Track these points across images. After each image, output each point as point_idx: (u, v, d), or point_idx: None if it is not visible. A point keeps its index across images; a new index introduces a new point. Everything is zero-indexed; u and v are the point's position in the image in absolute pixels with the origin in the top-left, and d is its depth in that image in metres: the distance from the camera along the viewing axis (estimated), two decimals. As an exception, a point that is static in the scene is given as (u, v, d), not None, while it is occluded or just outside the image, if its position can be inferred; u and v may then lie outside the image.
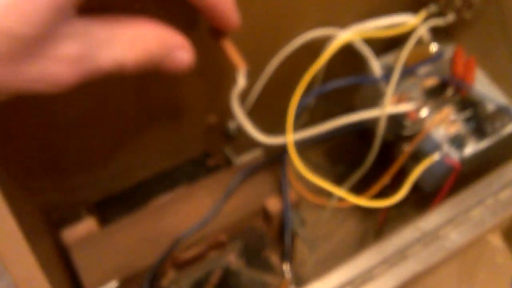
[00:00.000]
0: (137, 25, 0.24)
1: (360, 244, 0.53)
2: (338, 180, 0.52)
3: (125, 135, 0.35)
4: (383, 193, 0.43)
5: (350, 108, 0.45)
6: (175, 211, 0.37)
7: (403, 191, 0.33)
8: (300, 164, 0.32)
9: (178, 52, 0.26)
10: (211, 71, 0.33)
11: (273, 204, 0.38)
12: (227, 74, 0.29)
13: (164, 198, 0.38)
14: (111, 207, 0.38)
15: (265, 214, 0.38)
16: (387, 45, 0.41)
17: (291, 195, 0.38)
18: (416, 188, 0.39)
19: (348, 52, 0.38)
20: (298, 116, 0.40)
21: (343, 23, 0.37)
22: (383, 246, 0.31)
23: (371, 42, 0.37)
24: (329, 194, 0.51)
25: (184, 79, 0.32)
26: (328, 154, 0.55)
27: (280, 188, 0.39)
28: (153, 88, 0.31)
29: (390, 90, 0.35)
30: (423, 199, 0.41)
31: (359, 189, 0.44)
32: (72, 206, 0.37)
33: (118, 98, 0.31)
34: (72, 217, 0.36)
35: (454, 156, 0.35)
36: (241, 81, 0.28)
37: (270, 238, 0.39)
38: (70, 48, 0.21)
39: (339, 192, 0.32)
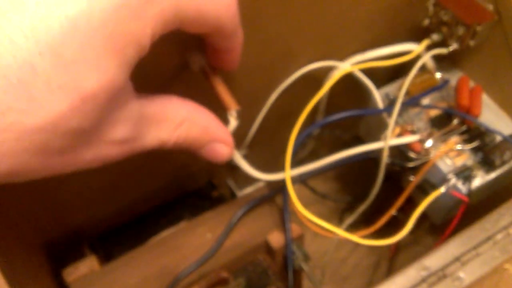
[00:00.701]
0: (187, 109, 0.24)
1: (373, 273, 0.51)
2: (347, 208, 0.51)
3: (127, 173, 0.34)
4: (392, 223, 0.42)
5: (356, 136, 0.44)
6: (176, 247, 0.36)
7: (407, 227, 0.32)
8: (298, 204, 0.31)
9: (219, 144, 0.26)
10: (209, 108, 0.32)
11: (276, 239, 0.37)
12: (220, 113, 0.29)
13: (165, 233, 0.37)
14: (113, 243, 0.38)
15: (268, 249, 0.37)
16: (392, 74, 0.39)
17: (295, 228, 0.37)
18: (426, 215, 0.38)
19: (352, 82, 0.36)
20: (302, 145, 0.38)
21: (344, 55, 0.36)
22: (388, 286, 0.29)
23: (374, 72, 0.36)
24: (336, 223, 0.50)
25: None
26: (335, 182, 0.54)
27: (282, 221, 0.37)
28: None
29: (392, 122, 0.33)
30: (436, 225, 0.40)
31: (368, 217, 0.42)
32: (74, 243, 0.36)
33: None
34: (74, 255, 0.35)
35: (461, 188, 0.33)
36: (233, 122, 0.27)
37: (274, 274, 0.37)
38: (125, 131, 0.21)
39: (340, 231, 0.31)
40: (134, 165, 0.34)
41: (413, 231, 0.34)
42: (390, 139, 0.34)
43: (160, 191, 0.39)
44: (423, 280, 0.30)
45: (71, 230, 0.36)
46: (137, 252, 0.35)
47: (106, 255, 0.37)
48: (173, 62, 0.27)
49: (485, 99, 0.36)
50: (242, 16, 0.28)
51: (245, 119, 0.36)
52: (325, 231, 0.39)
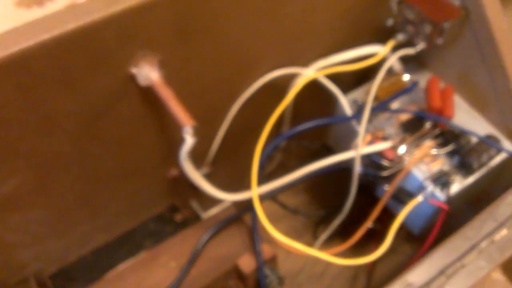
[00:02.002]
0: None
1: (352, 285, 0.49)
2: (321, 221, 0.48)
3: (74, 204, 0.30)
4: (371, 235, 0.39)
5: (325, 145, 0.41)
6: (137, 280, 0.32)
7: (386, 243, 0.29)
8: (268, 225, 0.28)
9: None
10: (162, 127, 0.28)
11: (247, 263, 0.33)
12: (177, 130, 0.25)
13: (124, 266, 0.33)
14: (66, 280, 0.33)
15: (239, 274, 0.34)
16: (358, 79, 0.37)
17: (266, 249, 0.34)
18: (405, 225, 0.35)
19: (317, 89, 0.34)
20: (269, 158, 0.35)
21: (307, 61, 0.33)
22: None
23: (340, 77, 0.34)
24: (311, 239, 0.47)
25: (131, 136, 0.27)
26: (306, 194, 0.51)
27: (252, 243, 0.34)
28: (97, 154, 0.27)
29: (362, 129, 0.31)
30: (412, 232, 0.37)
31: (344, 230, 0.39)
32: (22, 283, 0.32)
33: (59, 172, 0.27)
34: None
35: (440, 195, 0.31)
36: (189, 140, 0.23)
37: (247, 300, 0.34)
38: None
39: (313, 252, 0.28)
40: (82, 194, 0.30)
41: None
42: (361, 148, 0.31)
43: (115, 219, 0.35)
44: (408, 298, 0.27)
45: (18, 271, 0.32)
46: (94, 289, 0.31)
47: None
48: (117, 77, 0.24)
49: (457, 99, 0.34)
50: (196, 24, 0.25)
51: (206, 135, 0.33)
52: (299, 250, 0.36)
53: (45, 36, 0.19)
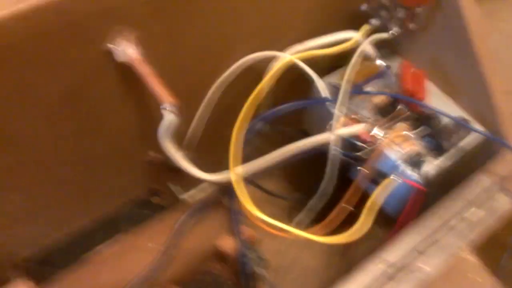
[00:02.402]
0: None
1: (328, 269, 0.49)
2: (299, 206, 0.48)
3: (50, 186, 0.30)
4: (348, 221, 0.39)
5: (303, 130, 0.41)
6: (117, 262, 0.32)
7: (359, 223, 0.29)
8: (249, 204, 0.28)
9: None
10: (140, 106, 0.28)
11: (227, 243, 0.33)
12: (157, 109, 0.25)
13: (102, 248, 0.33)
14: (43, 264, 0.33)
15: (219, 255, 0.34)
16: (335, 64, 0.37)
17: (246, 230, 0.34)
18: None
19: (295, 74, 0.34)
20: (247, 143, 0.36)
21: (283, 46, 0.33)
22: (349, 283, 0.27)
23: (317, 62, 0.34)
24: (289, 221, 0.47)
25: (108, 115, 0.27)
26: (283, 180, 0.51)
27: (232, 225, 0.34)
28: (73, 135, 0.27)
29: (337, 112, 0.31)
30: (389, 217, 0.38)
31: (323, 214, 0.40)
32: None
33: (35, 153, 0.26)
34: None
35: (412, 175, 0.31)
36: (168, 116, 0.23)
37: (227, 282, 0.34)
38: None
39: (293, 230, 0.28)
40: (58, 176, 0.30)
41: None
42: (337, 130, 0.31)
43: (92, 202, 0.34)
44: (383, 273, 0.27)
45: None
46: (74, 272, 0.31)
47: (37, 278, 0.32)
48: (93, 52, 0.23)
49: (429, 85, 0.35)
50: (176, 6, 0.25)
51: (184, 117, 0.33)
52: (278, 231, 0.36)
53: (20, 6, 0.19)
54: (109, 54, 0.23)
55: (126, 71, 0.24)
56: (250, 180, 0.39)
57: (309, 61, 0.34)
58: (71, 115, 0.26)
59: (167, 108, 0.23)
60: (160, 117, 0.26)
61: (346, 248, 0.47)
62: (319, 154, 0.37)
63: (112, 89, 0.26)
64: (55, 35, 0.21)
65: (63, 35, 0.21)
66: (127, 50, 0.23)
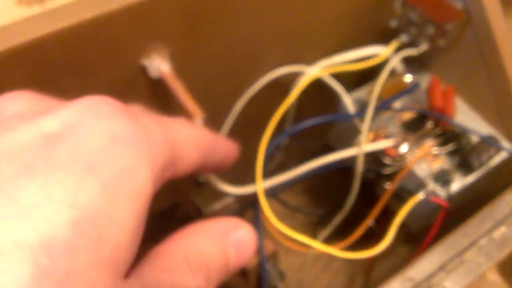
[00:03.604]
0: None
1: (349, 285, 0.49)
2: (321, 221, 0.49)
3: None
4: (369, 235, 0.40)
5: (327, 144, 0.42)
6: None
7: (389, 237, 0.30)
8: (273, 218, 0.28)
9: None
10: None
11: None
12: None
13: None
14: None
15: (241, 270, 0.34)
16: (361, 78, 0.38)
17: (268, 245, 0.34)
18: (404, 223, 0.36)
19: (320, 88, 0.35)
20: (270, 157, 0.36)
21: (310, 59, 0.34)
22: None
23: (343, 76, 0.34)
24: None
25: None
26: (307, 194, 0.51)
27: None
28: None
29: (365, 127, 0.31)
30: (411, 234, 0.38)
31: (343, 230, 0.40)
32: None
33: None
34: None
35: (440, 193, 0.31)
36: (198, 130, 0.24)
37: (248, 295, 0.34)
38: None
39: (316, 244, 0.28)
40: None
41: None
42: (364, 145, 0.32)
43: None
44: (409, 293, 0.27)
45: None
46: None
47: None
48: (128, 68, 0.24)
49: (457, 101, 0.35)
50: (206, 18, 0.26)
51: (210, 130, 0.33)
52: (299, 246, 0.36)
53: (62, 24, 0.20)
54: (144, 69, 0.24)
55: (158, 86, 0.25)
56: (273, 194, 0.40)
57: (335, 75, 0.34)
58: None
59: (198, 122, 0.24)
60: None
61: (367, 265, 0.47)
62: (342, 169, 0.37)
63: (143, 102, 0.27)
64: (95, 52, 0.22)
65: (101, 52, 0.22)
66: (161, 66, 0.24)
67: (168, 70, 0.24)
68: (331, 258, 0.50)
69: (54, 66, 0.21)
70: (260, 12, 0.28)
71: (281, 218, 0.50)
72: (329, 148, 0.41)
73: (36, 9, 0.77)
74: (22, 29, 0.20)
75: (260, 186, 0.29)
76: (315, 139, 0.42)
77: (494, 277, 0.38)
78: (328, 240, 0.44)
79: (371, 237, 0.44)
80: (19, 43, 0.20)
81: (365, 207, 0.37)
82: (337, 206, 0.39)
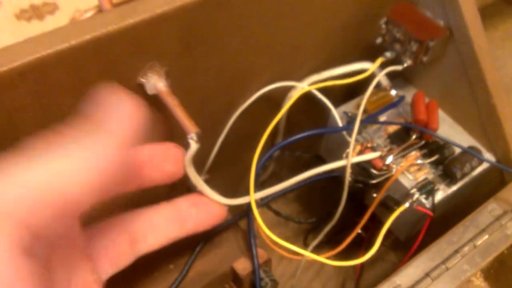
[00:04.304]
0: None
1: (339, 291, 0.49)
2: (310, 230, 0.49)
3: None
4: (358, 241, 0.40)
5: (317, 155, 0.42)
6: (139, 283, 0.32)
7: (376, 245, 0.30)
8: (265, 227, 0.28)
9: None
10: (163, 135, 0.29)
11: (243, 266, 0.34)
12: (180, 138, 0.26)
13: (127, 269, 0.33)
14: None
15: (235, 277, 0.34)
16: (348, 93, 0.38)
17: (261, 253, 0.34)
18: (391, 231, 0.36)
19: (310, 102, 0.35)
20: (262, 168, 0.36)
21: (300, 75, 0.35)
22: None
23: (331, 91, 0.35)
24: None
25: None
26: (298, 202, 0.52)
27: (248, 247, 0.35)
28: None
29: (353, 139, 0.32)
30: (399, 241, 0.38)
31: (333, 237, 0.40)
32: None
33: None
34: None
35: (425, 203, 0.32)
36: (193, 145, 0.24)
37: (242, 302, 0.35)
38: None
39: (307, 253, 0.29)
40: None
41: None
42: (352, 157, 0.32)
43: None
44: (397, 299, 0.28)
45: None
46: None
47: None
48: (126, 87, 0.25)
49: (440, 113, 0.35)
50: (200, 38, 0.26)
51: (205, 144, 0.33)
52: (291, 254, 0.37)
53: (63, 45, 0.20)
54: (141, 87, 0.25)
55: (155, 102, 0.25)
56: (266, 204, 0.40)
57: (324, 90, 0.35)
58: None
59: (193, 138, 0.24)
60: (181, 144, 0.27)
61: (357, 271, 0.47)
62: (331, 179, 0.38)
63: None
64: (94, 71, 0.22)
65: (100, 71, 0.22)
66: (157, 83, 0.24)
67: (164, 87, 0.25)
68: (322, 265, 0.50)
69: (55, 85, 0.22)
70: (252, 32, 0.29)
71: (274, 225, 0.50)
72: (319, 158, 0.42)
73: (35, 24, 0.78)
74: (25, 49, 0.20)
75: (253, 197, 0.30)
76: (305, 150, 0.42)
77: (479, 282, 0.38)
78: (319, 247, 0.44)
79: (360, 244, 0.45)
80: (22, 62, 0.20)
81: (353, 215, 0.38)
82: (327, 214, 0.39)
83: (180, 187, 0.36)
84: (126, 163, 0.20)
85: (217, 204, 0.27)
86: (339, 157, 0.33)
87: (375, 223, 0.41)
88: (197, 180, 0.27)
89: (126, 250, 0.24)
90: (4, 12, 0.77)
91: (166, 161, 0.25)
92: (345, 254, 0.35)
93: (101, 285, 0.22)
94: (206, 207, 0.26)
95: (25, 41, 0.20)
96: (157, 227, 0.25)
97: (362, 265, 0.46)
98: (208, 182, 0.32)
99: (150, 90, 0.25)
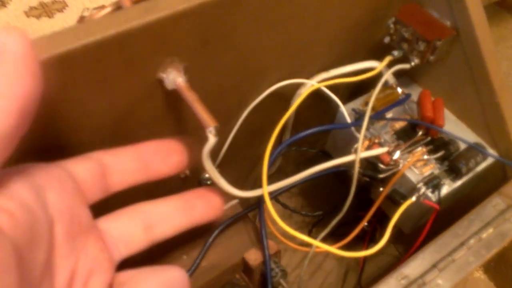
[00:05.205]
0: None
1: (344, 284, 0.49)
2: (316, 223, 0.49)
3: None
4: (361, 234, 0.40)
5: (322, 150, 0.42)
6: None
7: (384, 239, 0.30)
8: (279, 219, 0.28)
9: None
10: (179, 129, 0.29)
11: (253, 257, 0.34)
12: (195, 131, 0.26)
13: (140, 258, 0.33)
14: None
15: (246, 267, 0.34)
16: (356, 90, 0.38)
17: (271, 245, 0.34)
18: (395, 225, 0.36)
19: (318, 99, 0.35)
20: (271, 164, 0.36)
21: (309, 73, 0.34)
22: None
23: (340, 88, 0.35)
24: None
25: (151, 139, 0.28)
26: (303, 196, 0.52)
27: (258, 238, 0.35)
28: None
29: (362, 135, 0.32)
30: (399, 234, 0.38)
31: (337, 230, 0.40)
32: None
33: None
34: None
35: (431, 196, 0.32)
36: (212, 139, 0.24)
37: (252, 292, 0.35)
38: None
39: (317, 243, 0.28)
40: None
41: (377, 241, 0.33)
42: (361, 152, 0.32)
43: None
44: (405, 289, 0.28)
45: None
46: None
47: None
48: (146, 81, 0.24)
49: (446, 111, 0.35)
50: (218, 35, 0.26)
51: (219, 138, 0.33)
52: (299, 246, 0.37)
53: (89, 39, 0.20)
54: (160, 82, 0.24)
55: (174, 97, 0.25)
56: (275, 198, 0.40)
57: (332, 87, 0.35)
58: (122, 134, 0.27)
59: (212, 132, 0.24)
60: (201, 137, 0.27)
61: (360, 263, 0.47)
62: (334, 174, 0.38)
63: (159, 112, 0.27)
64: (117, 65, 0.22)
65: (124, 65, 0.22)
66: (176, 78, 0.24)
67: (183, 82, 0.25)
68: (326, 257, 0.50)
69: (81, 78, 0.21)
70: (266, 30, 0.28)
71: (280, 218, 0.50)
72: (324, 154, 0.42)
73: (44, 21, 0.77)
74: (52, 42, 0.20)
75: (265, 190, 0.30)
76: (311, 145, 0.42)
77: (479, 274, 0.38)
78: (323, 240, 0.45)
79: (363, 237, 0.45)
80: (51, 55, 0.20)
81: (357, 209, 0.38)
82: (334, 208, 0.39)
83: (191, 182, 0.36)
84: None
85: (217, 197, 0.27)
86: (346, 152, 0.33)
87: (378, 217, 0.41)
88: (214, 173, 0.27)
89: (140, 235, 0.24)
90: (13, 9, 0.77)
91: (170, 153, 0.25)
92: (348, 247, 0.35)
93: (112, 264, 0.22)
94: (208, 199, 0.27)
95: (53, 35, 0.20)
96: (168, 215, 0.25)
97: (365, 257, 0.46)
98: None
99: (169, 85, 0.24)
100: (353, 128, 0.34)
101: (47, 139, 0.23)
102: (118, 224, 0.23)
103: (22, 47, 0.16)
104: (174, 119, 0.28)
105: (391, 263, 0.49)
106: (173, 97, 0.25)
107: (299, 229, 0.50)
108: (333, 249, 0.29)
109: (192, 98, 0.24)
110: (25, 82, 0.16)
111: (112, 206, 0.24)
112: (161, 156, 0.25)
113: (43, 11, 0.77)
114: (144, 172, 0.24)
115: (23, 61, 0.16)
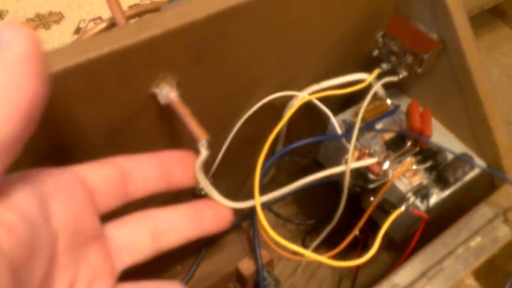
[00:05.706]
0: None
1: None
2: (308, 232, 0.49)
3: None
4: (353, 243, 0.40)
5: (315, 160, 0.42)
6: (148, 284, 0.32)
7: (374, 248, 0.30)
8: (271, 230, 0.29)
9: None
10: (172, 143, 0.29)
11: (247, 266, 0.34)
12: (188, 145, 0.26)
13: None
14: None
15: (239, 277, 0.34)
16: (346, 102, 0.39)
17: (264, 254, 0.35)
18: (386, 233, 0.36)
19: (309, 110, 0.35)
20: (264, 174, 0.37)
21: (300, 85, 0.35)
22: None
23: (330, 100, 0.35)
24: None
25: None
26: (296, 205, 0.52)
27: (252, 248, 0.35)
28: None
29: (352, 146, 0.32)
30: (392, 242, 0.39)
31: (330, 239, 0.41)
32: None
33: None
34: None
35: (420, 206, 0.32)
36: (204, 152, 0.24)
37: (245, 301, 0.35)
38: None
39: (309, 253, 0.29)
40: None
41: (370, 249, 0.33)
42: (351, 162, 0.33)
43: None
44: (395, 297, 0.28)
45: None
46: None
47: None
48: (140, 96, 0.25)
49: (434, 122, 0.36)
50: (210, 51, 0.26)
51: (212, 150, 0.34)
52: (292, 255, 0.37)
53: (83, 57, 0.20)
54: (154, 96, 0.25)
55: (167, 111, 0.25)
56: (268, 207, 0.40)
57: (323, 99, 0.35)
58: (115, 148, 0.27)
59: (203, 145, 0.25)
60: (194, 150, 0.27)
61: (353, 271, 0.47)
62: (326, 183, 0.38)
63: (151, 126, 0.27)
64: (111, 82, 0.22)
65: (118, 81, 0.23)
66: (169, 93, 0.25)
67: (175, 97, 0.25)
68: (319, 265, 0.50)
69: (75, 95, 0.22)
70: (257, 44, 0.29)
71: (273, 227, 0.50)
72: (317, 164, 0.42)
73: (41, 33, 0.77)
74: (47, 60, 0.20)
75: (258, 201, 0.30)
76: (304, 155, 0.43)
77: (470, 281, 0.38)
78: (316, 249, 0.45)
79: (356, 245, 0.45)
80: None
81: (349, 218, 0.38)
82: (326, 217, 0.39)
83: (186, 193, 0.36)
84: None
85: (225, 208, 0.27)
86: (337, 163, 0.34)
87: (370, 225, 0.41)
88: (207, 185, 0.27)
89: (146, 243, 0.23)
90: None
91: (190, 165, 0.25)
92: (341, 255, 0.36)
93: (114, 274, 0.21)
94: (218, 210, 0.26)
95: (49, 53, 0.20)
96: (177, 224, 0.25)
97: (358, 265, 0.47)
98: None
99: (162, 100, 0.25)
100: (343, 139, 0.35)
101: (42, 150, 0.23)
102: (125, 230, 0.23)
103: (28, 46, 0.15)
104: (168, 133, 0.29)
105: (384, 269, 0.49)
106: (167, 111, 0.26)
107: (293, 237, 0.50)
108: (325, 259, 0.30)
109: (184, 113, 0.25)
110: (30, 84, 0.15)
111: (119, 211, 0.24)
112: (182, 167, 0.25)
113: (40, 22, 0.77)
114: (165, 181, 0.24)
115: (28, 61, 0.15)
